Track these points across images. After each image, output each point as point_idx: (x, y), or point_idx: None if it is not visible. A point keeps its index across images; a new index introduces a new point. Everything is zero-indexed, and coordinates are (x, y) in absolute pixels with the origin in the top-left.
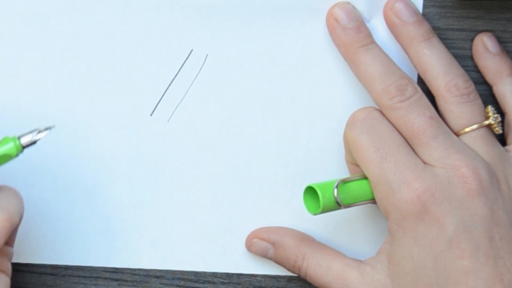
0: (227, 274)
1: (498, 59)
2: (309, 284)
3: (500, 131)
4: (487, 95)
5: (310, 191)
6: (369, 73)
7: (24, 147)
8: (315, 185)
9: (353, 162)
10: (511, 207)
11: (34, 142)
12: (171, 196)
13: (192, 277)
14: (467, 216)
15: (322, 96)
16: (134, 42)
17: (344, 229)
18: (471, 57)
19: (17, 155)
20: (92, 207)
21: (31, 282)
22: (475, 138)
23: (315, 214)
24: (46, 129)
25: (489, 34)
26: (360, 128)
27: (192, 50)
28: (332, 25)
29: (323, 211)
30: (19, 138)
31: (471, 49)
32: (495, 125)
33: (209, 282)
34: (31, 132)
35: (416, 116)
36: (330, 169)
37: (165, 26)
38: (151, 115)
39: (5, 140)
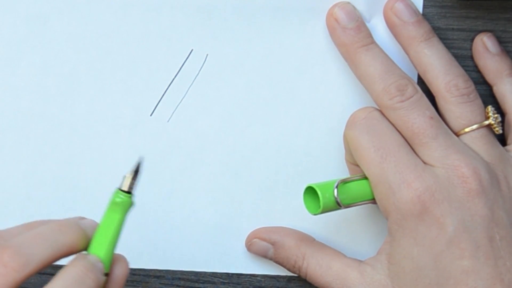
0: (227, 274)
1: (498, 59)
2: (309, 284)
3: (500, 131)
4: (487, 95)
5: (310, 191)
6: (369, 73)
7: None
8: (315, 185)
9: (353, 162)
10: (511, 207)
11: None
12: (171, 196)
13: (192, 277)
14: (467, 216)
15: (322, 96)
16: (134, 42)
17: (344, 229)
18: (471, 57)
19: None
20: (92, 207)
21: (31, 282)
22: (475, 138)
23: (315, 214)
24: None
25: (489, 34)
26: (360, 128)
27: (192, 50)
28: (332, 25)
29: (323, 211)
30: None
31: (471, 49)
32: (495, 125)
33: (209, 282)
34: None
35: (416, 116)
36: (330, 169)
37: (165, 26)
38: (151, 115)
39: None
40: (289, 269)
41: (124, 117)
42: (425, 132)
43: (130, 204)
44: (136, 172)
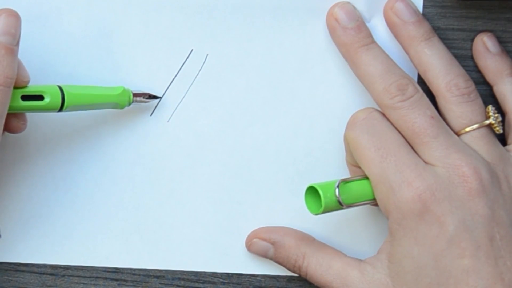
0: (227, 274)
1: (498, 59)
2: (309, 284)
3: (501, 131)
4: (487, 95)
5: (311, 191)
6: (370, 72)
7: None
8: (317, 185)
9: (353, 163)
10: (511, 207)
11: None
12: (171, 196)
13: (192, 277)
14: (468, 216)
15: (322, 96)
16: (134, 42)
17: (344, 229)
18: (471, 57)
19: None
20: (92, 207)
21: (31, 282)
22: (476, 138)
23: (316, 214)
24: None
25: (489, 34)
26: (361, 128)
27: (192, 50)
28: (333, 25)
29: (325, 211)
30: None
31: (471, 49)
32: (495, 125)
33: (209, 282)
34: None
35: (416, 116)
36: (330, 170)
37: (165, 26)
38: (151, 115)
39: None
40: (289, 269)
41: (124, 117)
42: (426, 132)
43: (121, 101)
44: (151, 97)
